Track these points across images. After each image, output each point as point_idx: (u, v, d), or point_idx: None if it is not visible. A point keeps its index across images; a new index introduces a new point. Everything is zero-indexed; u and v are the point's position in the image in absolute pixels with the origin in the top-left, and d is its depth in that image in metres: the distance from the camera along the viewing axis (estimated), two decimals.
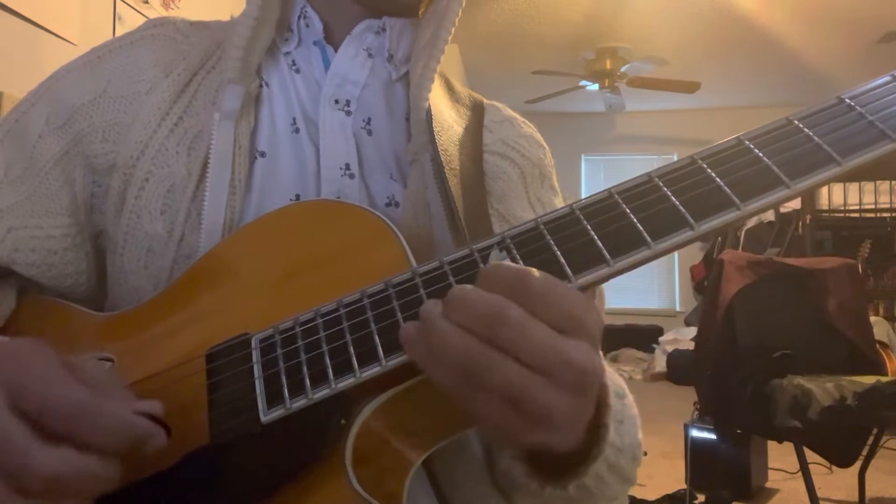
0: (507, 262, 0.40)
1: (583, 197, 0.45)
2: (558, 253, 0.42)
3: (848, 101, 0.42)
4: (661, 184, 0.42)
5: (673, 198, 0.41)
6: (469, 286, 0.39)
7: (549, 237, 0.43)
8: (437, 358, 0.38)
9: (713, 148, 0.43)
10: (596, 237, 0.41)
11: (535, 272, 0.38)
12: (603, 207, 0.43)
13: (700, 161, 0.42)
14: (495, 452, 0.52)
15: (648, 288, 6.96)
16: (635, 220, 0.41)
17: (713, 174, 0.41)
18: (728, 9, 4.70)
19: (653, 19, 4.94)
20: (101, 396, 0.38)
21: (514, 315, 0.37)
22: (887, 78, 0.42)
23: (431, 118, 0.62)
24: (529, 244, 0.43)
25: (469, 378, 0.37)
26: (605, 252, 0.41)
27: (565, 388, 0.37)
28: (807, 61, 5.57)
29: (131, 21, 2.17)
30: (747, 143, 0.42)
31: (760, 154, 0.41)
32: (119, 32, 2.12)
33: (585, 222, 0.42)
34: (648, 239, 0.40)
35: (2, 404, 0.36)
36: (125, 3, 2.17)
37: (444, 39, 0.64)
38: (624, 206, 0.42)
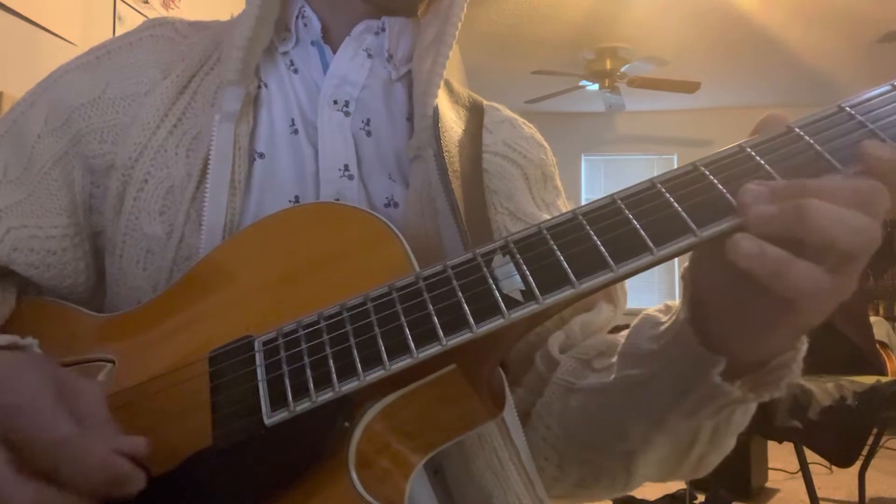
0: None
1: (583, 197, 0.45)
2: (562, 258, 0.42)
3: (848, 109, 0.42)
4: (663, 190, 0.42)
5: (676, 204, 0.41)
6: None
7: (552, 242, 0.43)
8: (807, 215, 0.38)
9: (715, 155, 0.43)
10: (599, 243, 0.41)
11: None
12: (606, 213, 0.43)
13: (702, 168, 0.42)
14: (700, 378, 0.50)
15: (648, 287, 6.96)
16: (638, 226, 0.41)
17: (716, 181, 0.41)
18: (728, 9, 4.70)
19: (653, 19, 4.94)
20: (85, 432, 0.39)
21: None
22: (887, 87, 0.42)
23: (438, 117, 0.62)
24: (533, 249, 0.43)
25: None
26: (608, 258, 0.41)
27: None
28: (807, 61, 5.56)
29: (131, 21, 2.16)
30: (749, 150, 0.42)
31: (762, 162, 0.41)
32: (119, 32, 2.12)
33: (588, 228, 0.42)
34: (651, 245, 0.40)
35: None
36: (125, 3, 2.17)
37: (452, 36, 0.64)
38: (627, 211, 0.42)
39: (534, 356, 0.64)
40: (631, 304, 0.69)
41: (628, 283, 0.61)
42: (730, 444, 0.56)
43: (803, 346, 0.49)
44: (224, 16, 0.72)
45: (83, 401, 0.41)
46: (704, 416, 0.51)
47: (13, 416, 0.38)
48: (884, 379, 2.49)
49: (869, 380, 2.47)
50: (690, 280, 0.49)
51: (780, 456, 3.18)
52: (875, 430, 2.83)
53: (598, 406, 0.58)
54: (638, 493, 2.83)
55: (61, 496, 0.37)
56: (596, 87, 5.84)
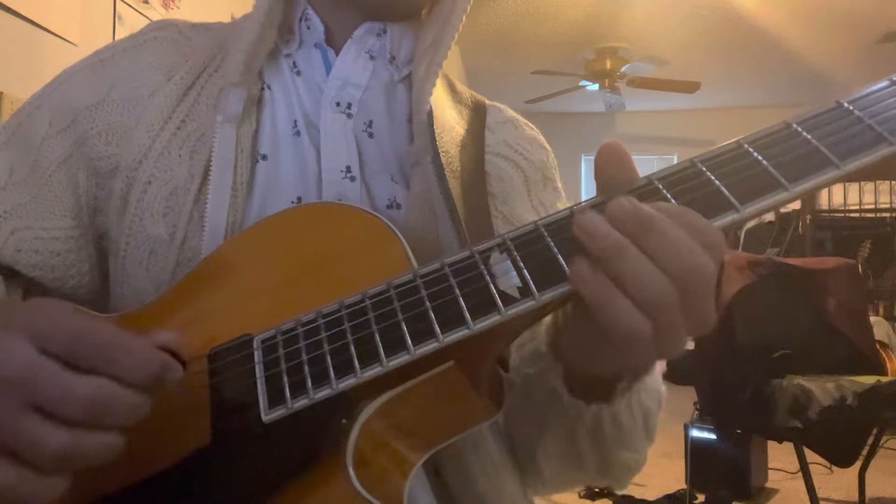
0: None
1: (583, 197, 0.45)
2: (558, 255, 0.42)
3: (847, 105, 0.42)
4: (660, 186, 0.42)
5: (673, 200, 0.41)
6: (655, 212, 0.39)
7: (549, 239, 0.43)
8: (623, 287, 0.39)
9: (713, 151, 0.43)
10: None
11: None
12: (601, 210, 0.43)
13: (700, 164, 0.42)
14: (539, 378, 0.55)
15: None
16: None
17: (713, 177, 0.41)
18: (728, 9, 4.70)
19: (653, 19, 4.94)
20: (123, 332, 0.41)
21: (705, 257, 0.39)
22: (886, 82, 0.42)
23: (433, 120, 0.62)
24: (529, 246, 0.43)
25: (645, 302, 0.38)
26: None
27: (699, 321, 0.40)
28: (807, 61, 5.57)
29: (131, 21, 2.17)
30: (746, 146, 0.42)
31: (759, 157, 0.41)
32: (119, 33, 2.13)
33: None
34: None
35: (29, 347, 0.39)
36: (125, 3, 2.17)
37: (447, 45, 0.64)
38: None
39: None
40: None
41: None
42: (625, 457, 0.57)
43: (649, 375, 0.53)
44: (224, 16, 0.73)
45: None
46: (572, 419, 0.54)
47: (57, 327, 0.40)
48: (884, 379, 2.48)
49: (869, 380, 2.47)
50: None
51: (780, 456, 3.17)
52: (875, 430, 2.83)
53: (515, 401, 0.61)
54: (638, 493, 2.84)
55: (118, 386, 0.39)
56: (596, 87, 5.84)
